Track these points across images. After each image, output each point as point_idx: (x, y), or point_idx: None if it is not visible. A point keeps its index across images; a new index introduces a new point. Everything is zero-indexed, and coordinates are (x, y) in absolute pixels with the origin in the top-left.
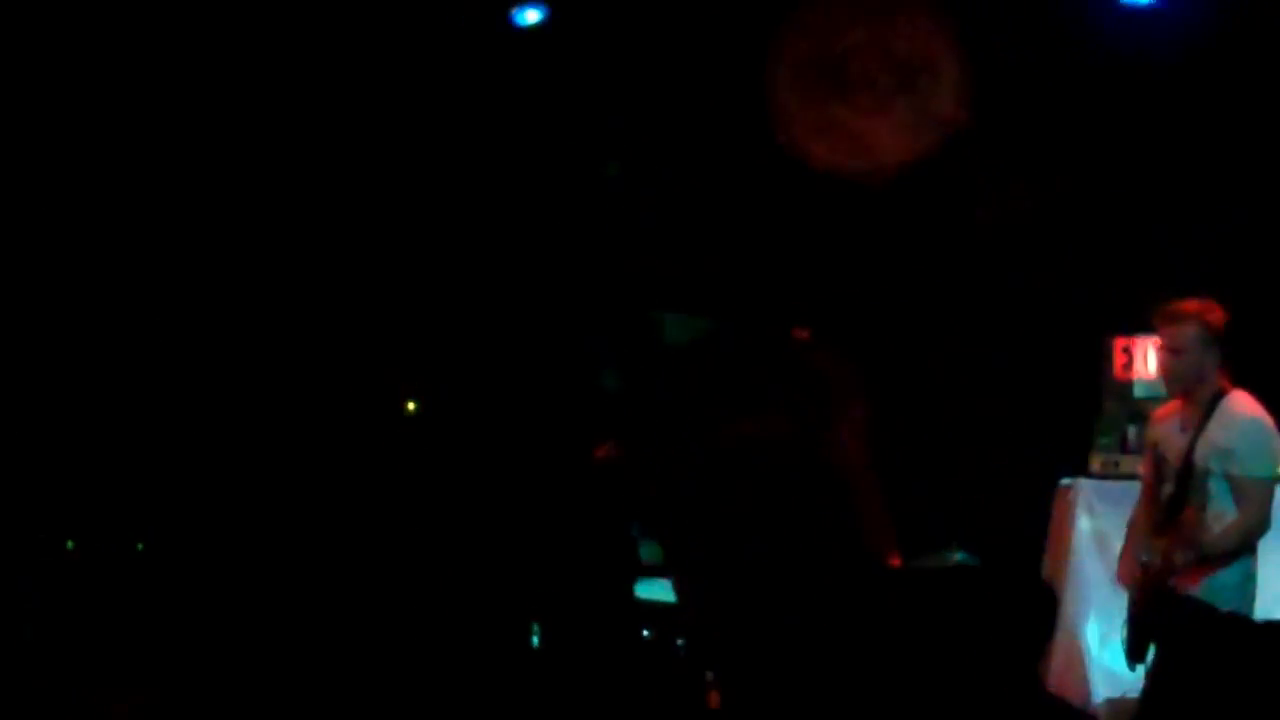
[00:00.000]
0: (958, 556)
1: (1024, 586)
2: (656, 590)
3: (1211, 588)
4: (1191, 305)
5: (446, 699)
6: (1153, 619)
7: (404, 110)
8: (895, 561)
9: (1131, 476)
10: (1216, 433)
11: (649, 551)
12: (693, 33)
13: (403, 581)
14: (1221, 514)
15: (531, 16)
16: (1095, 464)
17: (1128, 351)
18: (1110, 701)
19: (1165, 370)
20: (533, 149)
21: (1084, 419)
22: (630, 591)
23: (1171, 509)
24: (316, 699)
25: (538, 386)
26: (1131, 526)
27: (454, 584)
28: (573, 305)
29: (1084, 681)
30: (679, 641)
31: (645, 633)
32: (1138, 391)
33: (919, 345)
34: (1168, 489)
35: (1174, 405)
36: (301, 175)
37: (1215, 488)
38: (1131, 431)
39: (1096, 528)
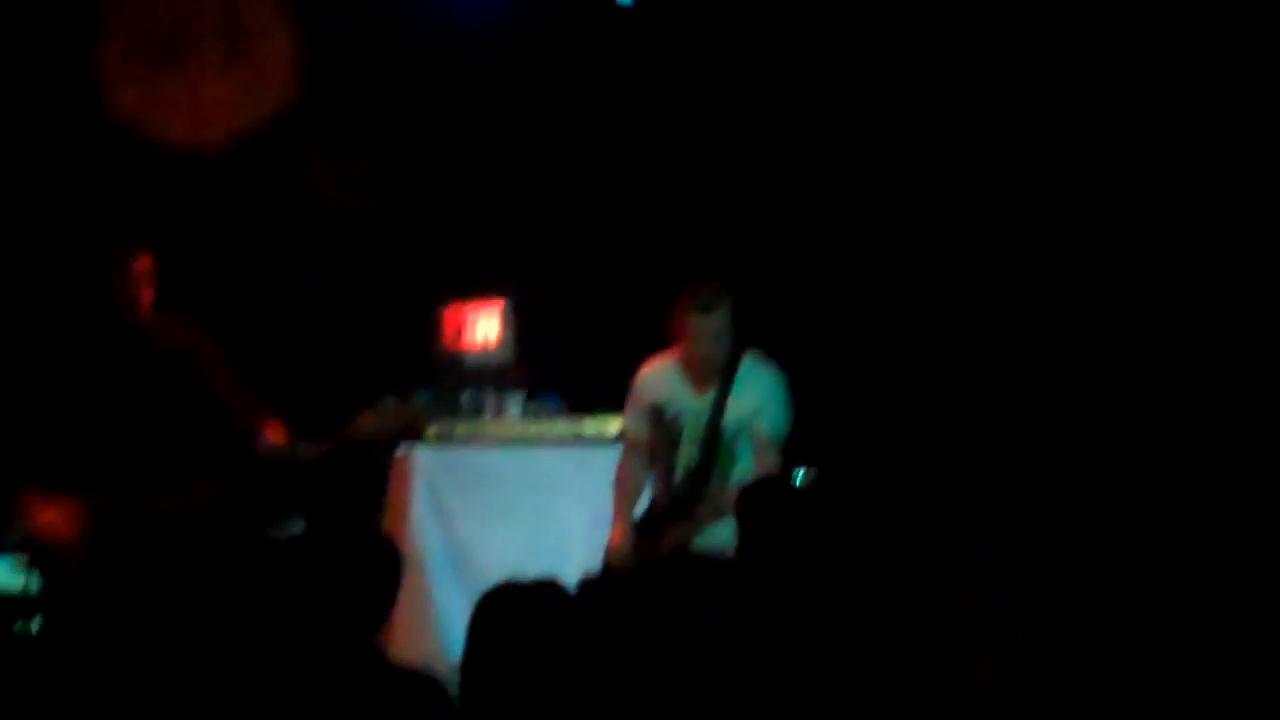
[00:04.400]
0: (297, 525)
1: (366, 550)
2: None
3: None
4: (716, 287)
5: None
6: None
7: None
8: (275, 429)
9: (466, 441)
10: (744, 393)
11: None
12: None
13: None
14: (744, 472)
15: None
16: (430, 431)
17: (459, 319)
18: (456, 666)
19: (703, 357)
20: None
21: (417, 387)
22: None
23: (698, 475)
24: None
25: None
26: (622, 489)
27: None
28: None
29: (428, 645)
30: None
31: None
32: (470, 359)
33: (257, 314)
34: (689, 452)
35: (663, 361)
36: None
37: (741, 449)
38: (465, 397)
39: (434, 493)
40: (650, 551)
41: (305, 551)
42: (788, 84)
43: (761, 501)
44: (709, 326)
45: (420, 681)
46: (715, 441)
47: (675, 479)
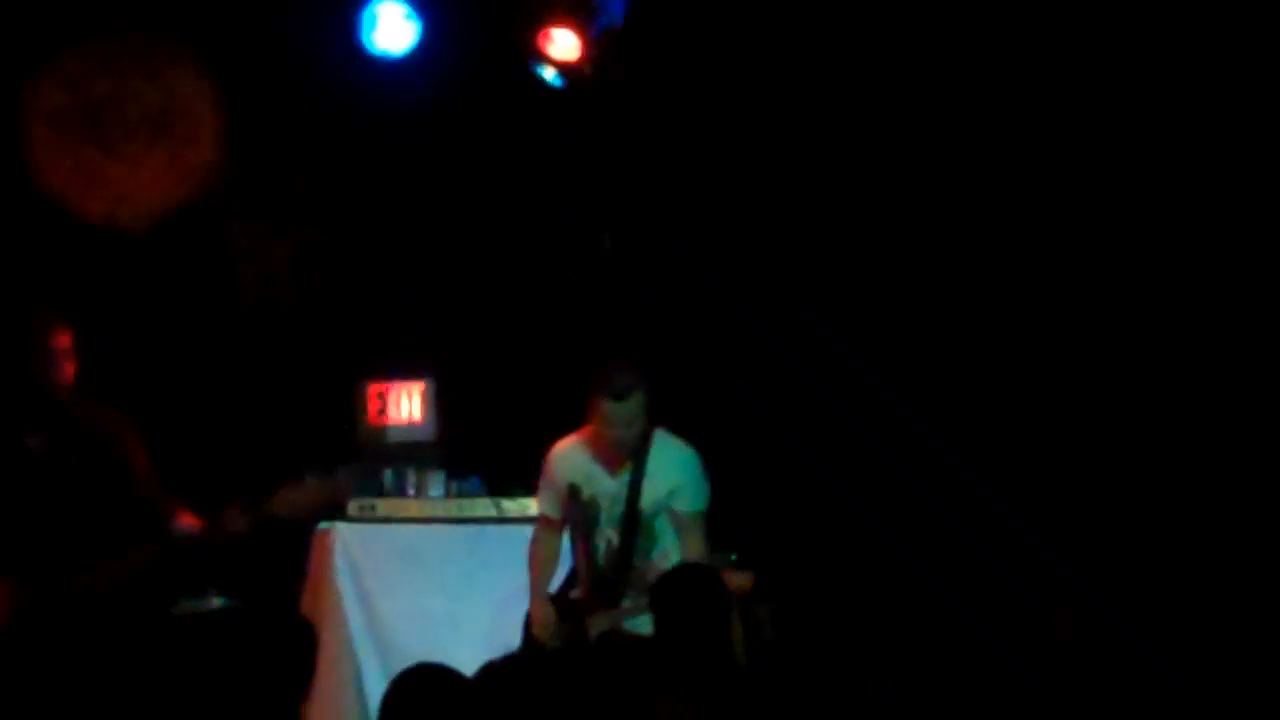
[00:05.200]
0: (216, 601)
1: (283, 625)
2: None
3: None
4: (630, 373)
5: None
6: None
7: None
8: (188, 517)
9: (387, 519)
10: (659, 473)
11: None
12: None
13: None
14: (667, 552)
15: None
16: (352, 508)
17: (381, 397)
18: None
19: (616, 443)
20: None
21: (339, 463)
22: None
23: (621, 556)
24: None
25: None
26: (535, 565)
27: None
28: None
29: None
30: None
31: None
32: (391, 437)
33: (180, 389)
34: (607, 536)
35: (574, 442)
36: None
37: (660, 527)
38: (387, 475)
39: (355, 570)
40: (575, 632)
41: (222, 628)
42: (710, 170)
43: (675, 589)
44: (622, 413)
45: None
46: (634, 523)
47: (597, 560)
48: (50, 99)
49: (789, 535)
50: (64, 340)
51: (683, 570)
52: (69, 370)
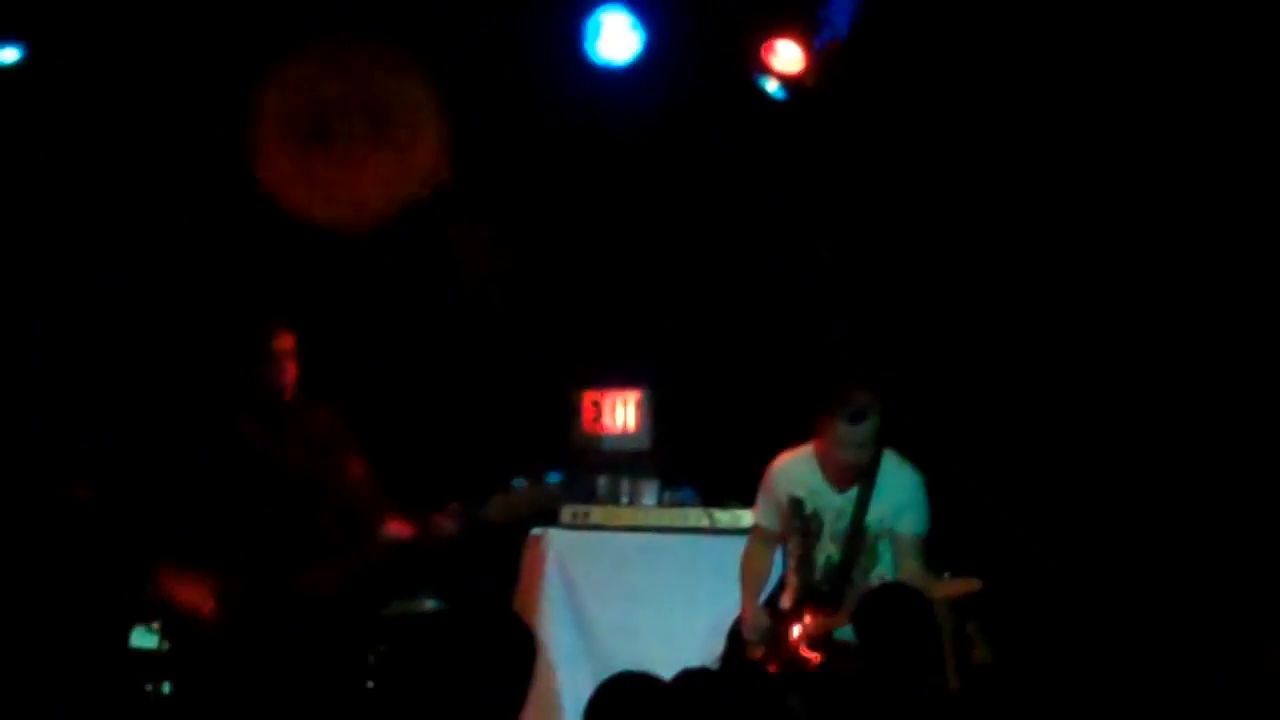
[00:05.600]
0: (429, 603)
1: (503, 630)
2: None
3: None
4: (868, 397)
5: None
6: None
7: None
8: (397, 525)
9: (600, 527)
10: (886, 493)
11: None
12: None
13: None
14: (885, 575)
15: (8, 55)
16: (566, 514)
17: (597, 405)
18: None
19: (848, 465)
20: None
21: (552, 469)
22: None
23: (841, 572)
24: None
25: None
26: (748, 575)
27: None
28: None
29: None
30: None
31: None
32: (606, 445)
33: (397, 392)
34: (828, 551)
35: (800, 455)
36: None
37: (882, 549)
38: (601, 483)
39: (566, 576)
40: (785, 637)
41: (441, 633)
42: (933, 183)
43: (880, 608)
44: (857, 436)
45: None
46: (858, 541)
47: (815, 574)
48: (277, 103)
49: (1004, 555)
50: (287, 342)
51: (888, 588)
52: (291, 372)
